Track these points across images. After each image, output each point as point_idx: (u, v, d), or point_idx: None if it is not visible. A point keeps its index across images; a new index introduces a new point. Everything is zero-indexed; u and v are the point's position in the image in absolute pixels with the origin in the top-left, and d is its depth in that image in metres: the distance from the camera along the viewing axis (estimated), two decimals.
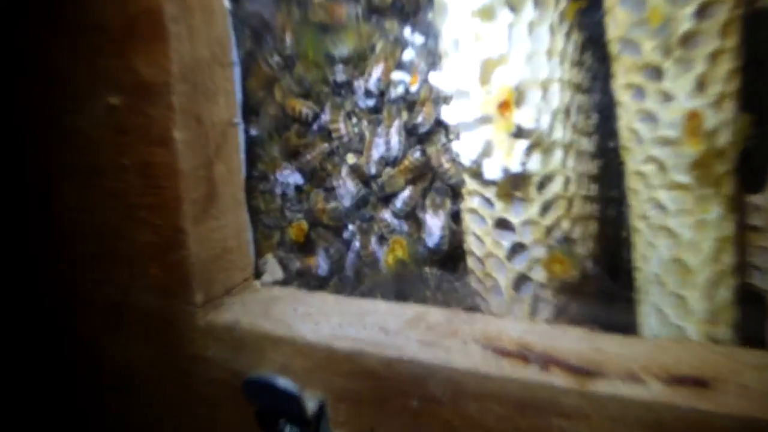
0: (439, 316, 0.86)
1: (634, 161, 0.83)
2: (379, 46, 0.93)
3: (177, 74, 0.84)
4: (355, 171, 0.96)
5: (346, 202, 0.97)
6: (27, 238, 1.03)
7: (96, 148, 0.91)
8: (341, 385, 0.83)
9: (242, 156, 0.96)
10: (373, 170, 0.95)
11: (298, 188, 1.00)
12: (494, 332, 0.82)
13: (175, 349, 0.94)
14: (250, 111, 0.99)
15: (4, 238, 1.06)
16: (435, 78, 0.83)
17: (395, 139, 0.92)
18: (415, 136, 0.94)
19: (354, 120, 0.96)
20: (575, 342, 0.78)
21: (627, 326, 0.87)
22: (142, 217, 0.90)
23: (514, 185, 0.84)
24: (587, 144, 0.91)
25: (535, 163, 0.83)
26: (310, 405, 0.83)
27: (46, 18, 0.92)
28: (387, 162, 0.94)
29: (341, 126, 0.95)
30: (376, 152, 0.94)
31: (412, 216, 0.95)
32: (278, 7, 0.96)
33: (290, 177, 1.00)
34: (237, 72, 0.94)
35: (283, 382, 0.83)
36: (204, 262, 0.90)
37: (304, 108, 0.98)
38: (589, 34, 0.88)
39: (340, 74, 0.94)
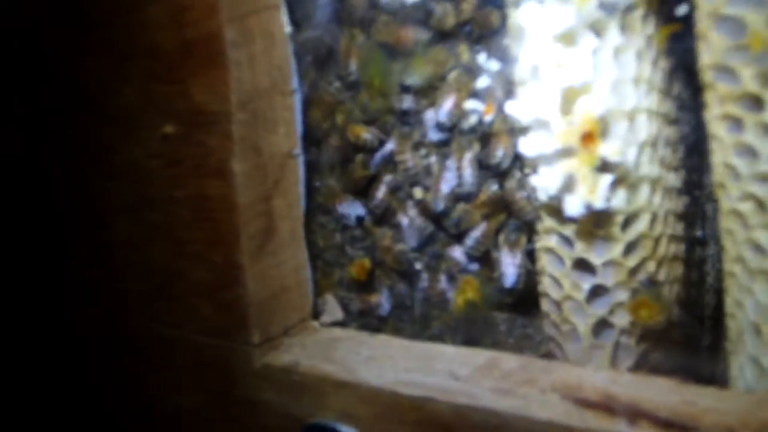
0: (514, 363, 0.80)
1: (730, 199, 0.76)
2: (451, 75, 0.88)
3: (236, 103, 0.80)
4: (422, 206, 0.91)
5: (412, 242, 0.92)
6: (76, 272, 1.00)
7: (148, 179, 0.88)
8: None
9: (302, 189, 0.92)
10: (441, 206, 0.89)
11: (360, 222, 0.95)
12: (575, 381, 0.75)
13: (228, 392, 0.90)
14: (310, 142, 0.94)
15: (53, 272, 1.04)
16: (511, 107, 0.78)
17: (468, 171, 0.87)
18: (488, 170, 0.88)
19: (422, 152, 0.91)
20: (664, 394, 0.72)
21: (717, 379, 0.80)
22: (195, 253, 0.86)
23: (596, 223, 0.78)
24: (674, 179, 0.85)
25: (620, 200, 0.77)
26: None
27: (97, 41, 0.90)
28: (458, 197, 0.88)
29: (408, 157, 0.90)
30: (446, 186, 0.88)
31: (484, 255, 0.89)
32: (341, 31, 0.92)
33: (351, 209, 0.95)
34: (297, 100, 0.90)
35: (346, 430, 0.79)
36: (261, 300, 0.86)
37: (368, 135, 0.93)
38: (679, 60, 0.82)
39: (408, 103, 0.89)
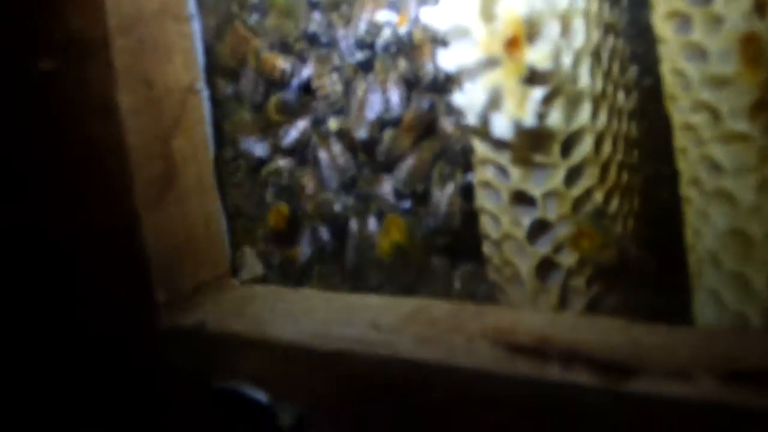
0: (443, 309, 0.72)
1: (681, 112, 0.67)
2: None
3: (115, 26, 0.71)
4: (345, 138, 0.81)
5: (334, 183, 0.82)
6: None
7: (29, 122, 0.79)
8: (324, 393, 0.70)
9: (209, 130, 0.82)
10: (364, 134, 0.79)
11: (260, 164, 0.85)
12: (508, 325, 0.67)
13: (133, 356, 0.82)
14: (220, 75, 0.85)
15: None
16: (427, 15, 0.68)
17: (394, 93, 0.77)
18: (418, 88, 0.79)
19: (339, 76, 0.81)
20: (607, 334, 0.64)
21: (679, 320, 0.71)
22: (89, 199, 0.77)
23: (532, 146, 0.69)
24: (625, 100, 0.76)
25: (556, 118, 0.68)
26: (286, 418, 0.71)
27: None
28: (385, 123, 0.79)
29: (326, 82, 0.80)
30: (371, 112, 0.78)
31: (417, 192, 0.80)
32: None
33: (257, 148, 0.85)
34: (197, 28, 0.80)
35: (252, 393, 0.71)
36: (163, 254, 0.77)
37: (283, 63, 0.83)
38: None
39: (318, 22, 0.79)
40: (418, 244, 0.79)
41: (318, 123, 0.83)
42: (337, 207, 0.82)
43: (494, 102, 0.67)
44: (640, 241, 0.77)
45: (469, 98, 0.68)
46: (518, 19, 0.65)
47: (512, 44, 0.65)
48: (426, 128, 0.77)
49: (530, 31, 0.66)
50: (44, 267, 0.86)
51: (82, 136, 0.75)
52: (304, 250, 0.85)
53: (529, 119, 0.66)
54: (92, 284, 0.82)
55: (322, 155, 0.83)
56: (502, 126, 0.67)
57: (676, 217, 0.77)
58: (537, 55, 0.65)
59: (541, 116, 0.66)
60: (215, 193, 0.84)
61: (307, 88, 0.84)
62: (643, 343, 0.61)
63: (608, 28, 0.74)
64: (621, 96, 0.76)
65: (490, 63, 0.66)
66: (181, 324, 0.77)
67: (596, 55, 0.71)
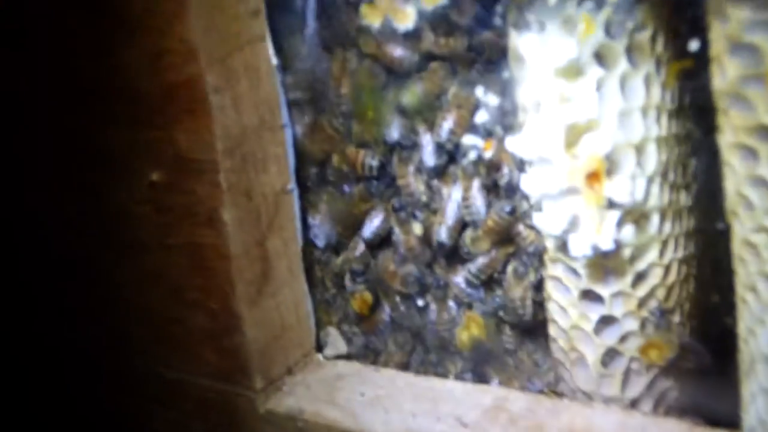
0: (521, 402, 0.78)
1: (743, 228, 0.72)
2: (450, 92, 0.83)
3: (223, 150, 0.76)
4: (425, 236, 0.87)
5: (415, 267, 0.88)
6: (70, 316, 0.98)
7: (138, 224, 0.85)
8: None
9: (298, 224, 0.88)
10: (444, 237, 0.85)
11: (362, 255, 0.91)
12: (583, 426, 0.74)
13: None
14: (307, 174, 0.91)
15: (47, 316, 1.01)
16: (512, 144, 0.74)
17: (478, 200, 0.83)
18: (496, 194, 0.84)
19: (424, 177, 0.86)
20: None
21: (729, 408, 0.78)
22: (192, 300, 0.83)
23: (604, 256, 0.75)
24: (685, 198, 0.81)
25: (627, 235, 0.74)
26: None
27: (78, 85, 0.85)
28: (465, 225, 0.85)
29: (411, 181, 0.86)
30: (451, 215, 0.84)
31: (490, 284, 0.86)
32: (331, 56, 0.86)
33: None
34: (289, 135, 0.86)
35: None
36: (262, 345, 0.83)
37: (367, 158, 0.88)
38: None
39: (403, 128, 0.84)
40: (494, 335, 0.86)
41: (399, 211, 0.89)
42: (416, 287, 0.88)
43: (573, 225, 0.72)
44: (695, 327, 0.83)
45: (548, 220, 0.73)
46: (599, 156, 0.70)
47: (593, 178, 0.71)
48: (505, 232, 0.83)
49: (610, 166, 0.71)
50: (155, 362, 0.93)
51: (190, 243, 0.81)
52: (384, 331, 0.92)
53: (606, 243, 0.72)
54: (199, 376, 0.88)
55: (401, 245, 0.89)
56: (580, 247, 0.72)
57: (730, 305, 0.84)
58: (615, 190, 0.71)
59: (616, 239, 0.73)
60: (303, 278, 0.90)
61: (391, 183, 0.89)
62: None
63: (676, 139, 0.79)
64: (683, 196, 0.81)
65: (571, 191, 0.72)
66: (278, 410, 0.84)
67: (664, 172, 0.76)
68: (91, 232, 0.91)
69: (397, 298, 0.91)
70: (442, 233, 0.85)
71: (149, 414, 0.97)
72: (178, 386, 0.91)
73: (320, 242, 0.92)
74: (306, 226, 0.90)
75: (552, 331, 0.85)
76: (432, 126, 0.84)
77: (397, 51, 0.82)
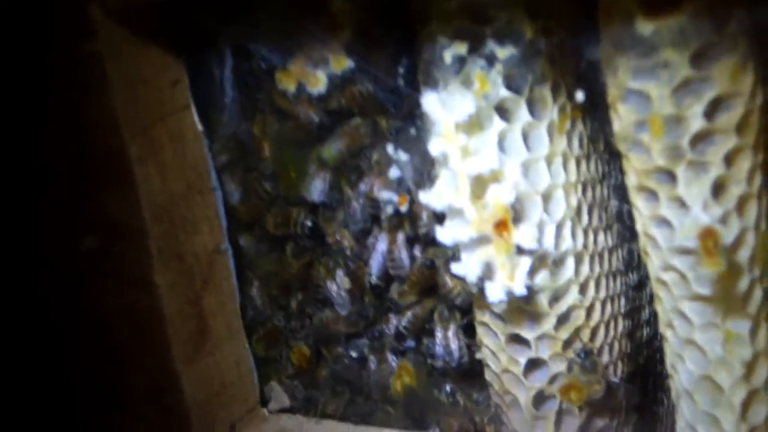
0: None
1: (654, 268, 0.75)
2: (374, 157, 0.86)
3: (150, 218, 0.79)
4: (355, 283, 0.90)
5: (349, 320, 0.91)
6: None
7: (80, 291, 0.87)
8: None
9: (234, 283, 0.91)
10: (376, 280, 0.88)
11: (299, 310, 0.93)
12: None
13: None
14: (241, 235, 0.94)
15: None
16: (425, 197, 0.76)
17: (402, 251, 0.85)
18: (417, 242, 0.87)
19: (352, 231, 0.89)
20: None
21: None
22: (131, 360, 0.86)
23: (523, 302, 0.77)
24: (605, 239, 0.83)
25: (542, 279, 0.76)
26: None
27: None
28: (392, 278, 0.88)
29: (338, 238, 0.89)
30: (376, 266, 0.87)
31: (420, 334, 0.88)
32: (252, 121, 0.89)
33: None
34: (219, 196, 0.89)
35: None
36: (202, 402, 0.85)
37: (300, 217, 0.90)
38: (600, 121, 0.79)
39: (326, 187, 0.87)
40: (426, 383, 0.88)
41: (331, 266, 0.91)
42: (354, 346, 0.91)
43: (487, 273, 0.75)
44: (625, 373, 0.84)
45: (465, 268, 0.76)
46: (505, 206, 0.73)
47: (501, 226, 0.73)
48: (429, 283, 0.86)
49: (515, 214, 0.74)
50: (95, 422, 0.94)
51: (124, 306, 0.84)
52: (324, 383, 0.94)
53: (519, 289, 0.74)
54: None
55: (334, 295, 0.91)
56: (495, 293, 0.74)
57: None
58: (523, 237, 0.73)
59: (528, 285, 0.75)
60: (243, 334, 0.92)
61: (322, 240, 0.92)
62: None
63: (588, 182, 0.82)
64: (601, 238, 0.83)
65: (482, 240, 0.74)
66: None
67: (576, 216, 0.78)
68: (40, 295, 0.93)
69: (336, 351, 0.93)
70: (374, 278, 0.88)
71: None
72: None
73: (258, 300, 0.94)
74: (243, 285, 0.93)
75: (487, 375, 0.87)
76: (354, 183, 0.87)
77: (311, 113, 0.85)
